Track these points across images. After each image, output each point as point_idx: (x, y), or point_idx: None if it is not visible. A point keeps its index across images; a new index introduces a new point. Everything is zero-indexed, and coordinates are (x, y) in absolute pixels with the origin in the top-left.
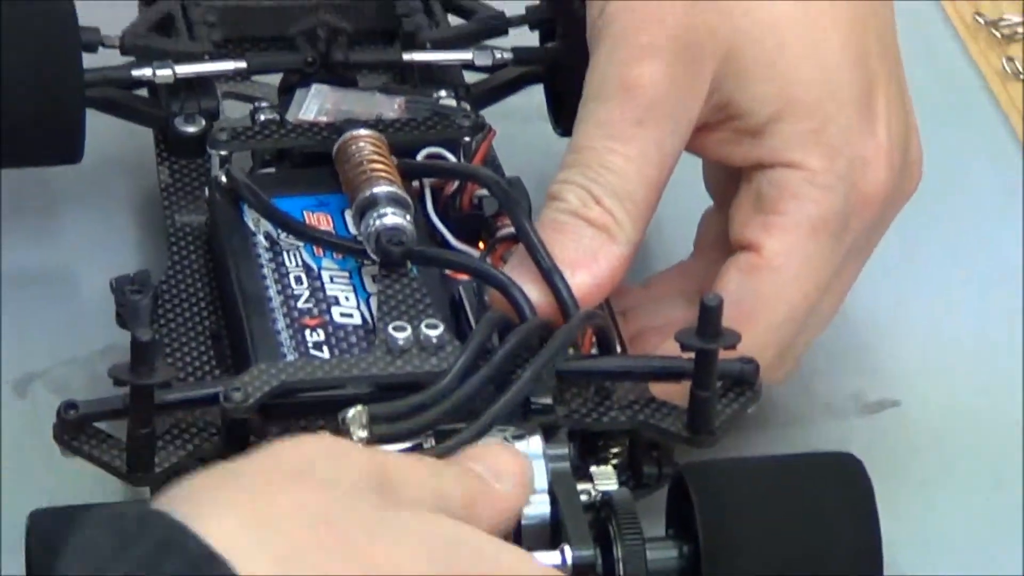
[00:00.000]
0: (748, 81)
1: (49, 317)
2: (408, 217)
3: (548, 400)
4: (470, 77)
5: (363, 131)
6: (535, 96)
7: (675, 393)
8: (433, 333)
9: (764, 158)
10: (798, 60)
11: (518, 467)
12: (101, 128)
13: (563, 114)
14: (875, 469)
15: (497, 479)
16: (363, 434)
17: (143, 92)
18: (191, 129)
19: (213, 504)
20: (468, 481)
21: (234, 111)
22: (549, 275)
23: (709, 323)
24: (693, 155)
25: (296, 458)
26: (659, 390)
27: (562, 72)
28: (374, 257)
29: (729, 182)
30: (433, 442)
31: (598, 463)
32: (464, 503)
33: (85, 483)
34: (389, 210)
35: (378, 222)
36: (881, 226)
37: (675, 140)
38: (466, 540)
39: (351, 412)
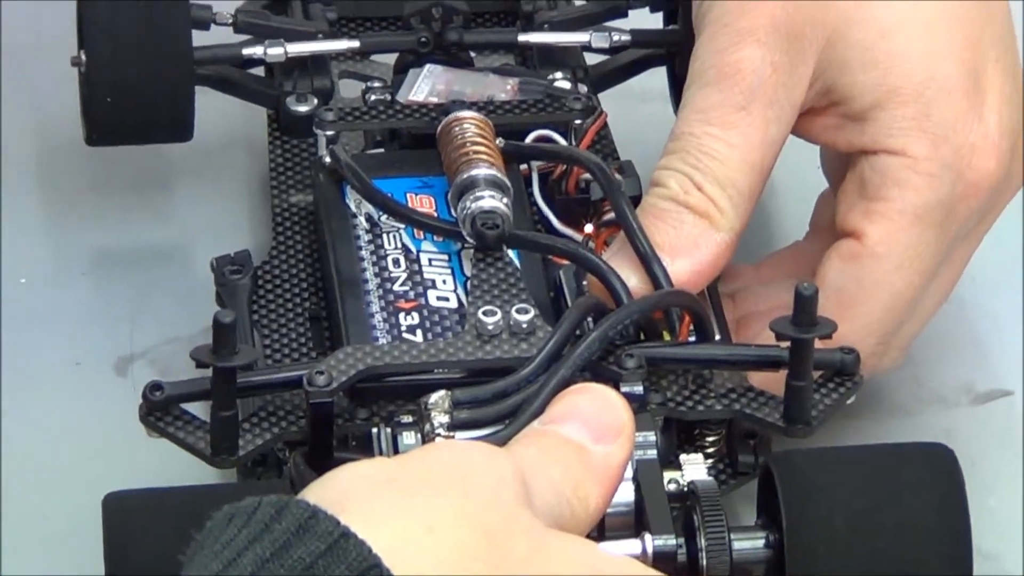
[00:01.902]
0: (850, 68)
1: (157, 295)
2: (506, 201)
3: (639, 388)
4: (591, 59)
5: (466, 112)
6: (657, 77)
7: (774, 382)
8: (523, 318)
9: (867, 144)
10: (901, 48)
11: (614, 417)
12: (221, 106)
13: None
14: (984, 459)
15: (597, 439)
16: (445, 419)
17: (260, 71)
18: (302, 108)
19: (373, 509)
20: (569, 460)
21: (351, 91)
22: (647, 261)
23: (804, 312)
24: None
25: (453, 463)
26: (758, 379)
27: (683, 55)
28: (470, 240)
29: (842, 164)
30: None
31: (693, 451)
32: (574, 491)
33: (172, 464)
34: (487, 193)
35: (474, 205)
36: (991, 214)
37: (779, 126)
38: (620, 569)
39: (434, 397)
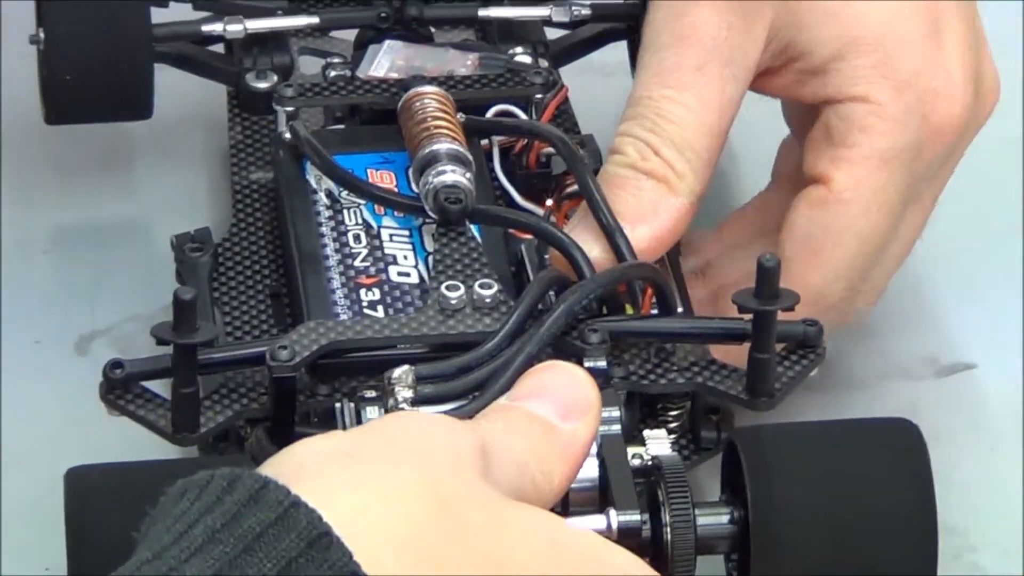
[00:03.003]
0: (807, 24)
1: (117, 273)
2: (468, 175)
3: (603, 363)
4: (552, 34)
5: (427, 88)
6: (618, 51)
7: (737, 355)
8: (487, 293)
9: (831, 94)
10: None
11: (582, 395)
12: (180, 84)
13: None
14: (948, 433)
15: (564, 417)
16: (408, 394)
17: (220, 48)
18: (262, 85)
19: (327, 480)
20: (534, 435)
21: (311, 67)
22: (610, 233)
23: (766, 284)
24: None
25: (410, 435)
26: (722, 352)
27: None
28: (432, 215)
29: (805, 112)
30: None
31: (657, 426)
32: (538, 466)
33: (135, 442)
34: (448, 167)
35: (436, 179)
36: (954, 156)
37: (735, 86)
38: (578, 540)
39: (397, 372)
